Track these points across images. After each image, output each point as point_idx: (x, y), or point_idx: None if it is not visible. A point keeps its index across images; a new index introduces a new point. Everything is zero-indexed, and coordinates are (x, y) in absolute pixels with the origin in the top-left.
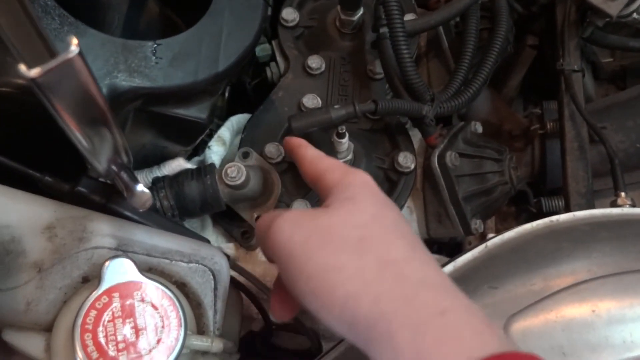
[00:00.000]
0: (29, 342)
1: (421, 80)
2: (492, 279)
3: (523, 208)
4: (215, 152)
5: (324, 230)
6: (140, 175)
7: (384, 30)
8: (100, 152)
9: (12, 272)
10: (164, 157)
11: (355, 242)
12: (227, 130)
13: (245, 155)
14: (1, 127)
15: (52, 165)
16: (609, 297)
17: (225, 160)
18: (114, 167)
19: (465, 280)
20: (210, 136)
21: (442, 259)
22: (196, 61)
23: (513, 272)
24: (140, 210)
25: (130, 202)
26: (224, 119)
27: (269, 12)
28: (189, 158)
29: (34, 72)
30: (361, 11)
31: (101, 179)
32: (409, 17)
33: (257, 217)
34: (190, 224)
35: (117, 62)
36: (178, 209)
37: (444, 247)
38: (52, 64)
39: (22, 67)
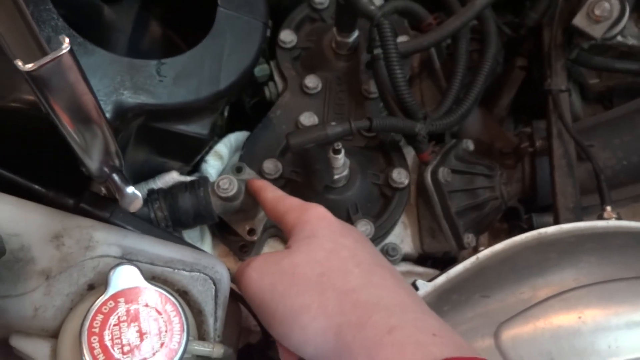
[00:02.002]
0: (36, 348)
1: (414, 99)
2: (483, 288)
3: (515, 224)
4: (211, 165)
5: (288, 272)
6: (138, 189)
7: (378, 51)
8: (93, 151)
9: (21, 279)
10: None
11: (317, 279)
12: (225, 146)
13: (239, 170)
14: (8, 143)
15: (56, 180)
16: (594, 305)
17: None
18: (106, 169)
19: (458, 290)
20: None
21: (435, 272)
22: (198, 79)
23: (503, 282)
24: (125, 217)
25: (122, 203)
26: (223, 136)
27: (268, 33)
28: (188, 174)
29: (29, 66)
30: (356, 33)
31: (103, 194)
32: (402, 39)
33: (250, 230)
34: (190, 238)
35: (124, 79)
36: (172, 220)
37: (438, 261)
38: (45, 59)
39: (18, 62)
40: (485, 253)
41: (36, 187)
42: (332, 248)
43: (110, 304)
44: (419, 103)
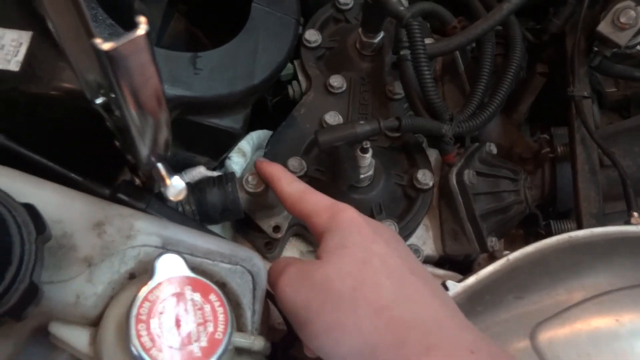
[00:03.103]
0: (75, 336)
1: (441, 101)
2: (516, 289)
3: (531, 231)
4: (235, 162)
5: (321, 287)
6: None
7: (405, 52)
8: (148, 138)
9: (63, 265)
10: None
11: (350, 293)
12: (247, 144)
13: None
14: (46, 131)
15: (91, 170)
16: (631, 308)
17: (245, 172)
18: (153, 158)
19: (489, 291)
20: None
21: (456, 275)
22: (233, 73)
23: (537, 283)
24: (161, 208)
25: (166, 193)
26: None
27: (300, 30)
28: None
29: (107, 45)
30: (382, 34)
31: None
32: (426, 41)
33: (275, 227)
34: None
35: (161, 71)
36: (199, 214)
37: (456, 265)
38: (125, 39)
39: (97, 41)
40: (515, 255)
41: (72, 175)
42: (363, 258)
43: (157, 292)
44: (445, 104)
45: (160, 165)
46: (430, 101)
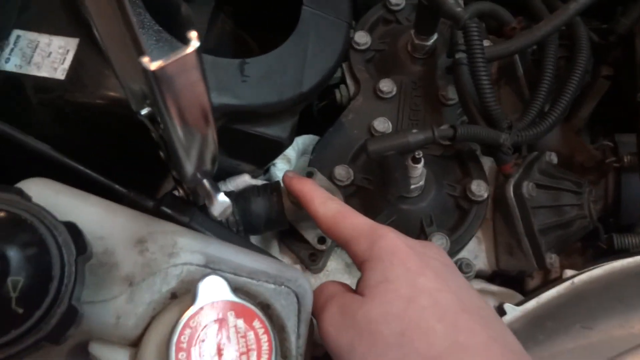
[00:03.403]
0: (115, 357)
1: (499, 108)
2: (584, 318)
3: (590, 244)
4: (280, 169)
5: (366, 330)
6: None
7: (460, 55)
8: (194, 155)
9: (104, 284)
10: (233, 175)
11: (397, 340)
12: (292, 149)
13: (310, 175)
14: (91, 140)
15: (136, 180)
16: None
17: None
18: (199, 174)
19: (552, 317)
20: None
21: (510, 292)
22: (282, 81)
23: (608, 313)
24: (206, 222)
25: (211, 210)
26: None
27: (351, 34)
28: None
29: (154, 65)
30: (435, 36)
31: (183, 197)
32: (485, 43)
33: (319, 238)
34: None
35: (208, 78)
36: (243, 224)
37: (508, 280)
38: (173, 57)
39: (145, 60)
40: (581, 278)
41: (117, 187)
42: (410, 296)
43: (198, 318)
44: (503, 112)
45: (205, 182)
46: (487, 108)
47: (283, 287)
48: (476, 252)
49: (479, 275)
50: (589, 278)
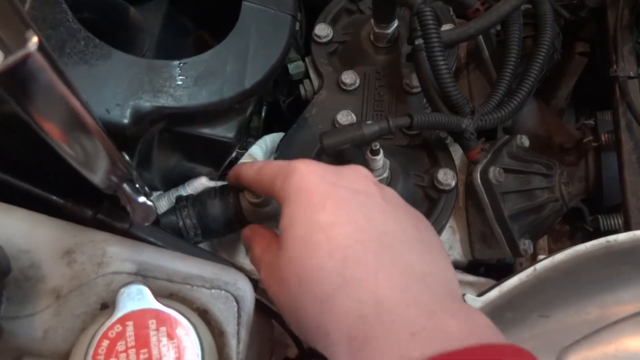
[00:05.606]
0: None
1: (460, 93)
2: (542, 306)
3: (578, 226)
4: None
5: (279, 279)
6: (167, 196)
7: (419, 41)
8: (91, 163)
9: (30, 298)
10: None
11: (298, 283)
12: (259, 148)
13: None
14: (27, 152)
15: (77, 189)
16: None
17: None
18: (114, 179)
19: (512, 307)
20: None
21: (489, 282)
22: (222, 79)
23: (565, 299)
24: (146, 225)
25: (133, 216)
26: (259, 138)
27: (297, 27)
28: (221, 178)
29: None
30: (395, 24)
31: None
32: (446, 27)
33: None
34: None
35: (142, 82)
36: (201, 227)
37: (492, 268)
38: (10, 60)
39: None
40: (544, 264)
41: (54, 197)
42: (306, 237)
43: (118, 328)
44: (465, 96)
45: (125, 186)
46: (447, 94)
47: (221, 290)
48: (451, 242)
49: (456, 266)
50: (551, 264)
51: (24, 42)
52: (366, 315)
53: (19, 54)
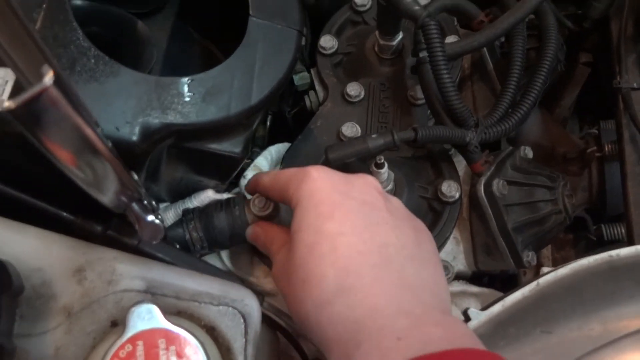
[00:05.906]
0: None
1: (464, 105)
2: (544, 322)
3: (581, 235)
4: None
5: (286, 279)
6: (173, 208)
7: (423, 54)
8: (101, 186)
9: (42, 316)
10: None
11: (301, 287)
12: (265, 159)
13: None
14: (37, 170)
15: (87, 205)
16: None
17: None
18: (123, 199)
19: (516, 322)
20: None
21: (492, 292)
22: (229, 95)
23: (568, 315)
24: (154, 243)
25: (141, 235)
26: (265, 147)
27: (303, 42)
28: (228, 189)
29: (7, 104)
30: (400, 36)
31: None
32: (450, 39)
33: None
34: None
35: (150, 99)
36: (207, 240)
37: (495, 278)
38: (26, 95)
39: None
40: (547, 279)
41: (64, 214)
42: (312, 244)
43: (128, 347)
44: (469, 109)
45: (134, 206)
46: (451, 106)
47: (228, 307)
48: (455, 253)
49: (460, 277)
50: (553, 278)
51: (40, 76)
52: (360, 322)
53: (34, 89)
